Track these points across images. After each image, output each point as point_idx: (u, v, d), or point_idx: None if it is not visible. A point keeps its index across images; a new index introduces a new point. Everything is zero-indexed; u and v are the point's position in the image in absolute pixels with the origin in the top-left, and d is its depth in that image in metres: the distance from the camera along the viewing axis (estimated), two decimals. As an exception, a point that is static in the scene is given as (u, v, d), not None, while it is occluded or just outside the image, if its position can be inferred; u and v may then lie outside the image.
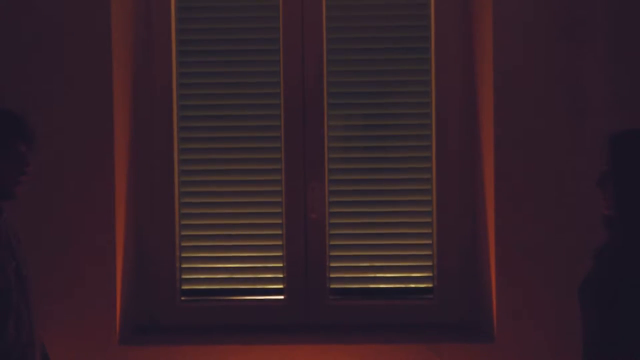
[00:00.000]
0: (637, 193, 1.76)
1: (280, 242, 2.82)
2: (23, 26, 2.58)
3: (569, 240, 2.55)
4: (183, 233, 2.84)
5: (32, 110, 2.12)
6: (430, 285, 2.82)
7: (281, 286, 2.83)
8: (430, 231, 2.81)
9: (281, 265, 2.82)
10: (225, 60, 2.83)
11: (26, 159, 1.95)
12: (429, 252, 2.81)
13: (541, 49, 2.57)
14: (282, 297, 2.83)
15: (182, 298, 2.84)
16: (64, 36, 2.57)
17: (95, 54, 2.58)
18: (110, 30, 2.58)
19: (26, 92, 2.56)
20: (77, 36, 2.58)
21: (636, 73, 2.56)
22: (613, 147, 1.81)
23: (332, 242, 2.82)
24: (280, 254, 2.82)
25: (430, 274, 2.81)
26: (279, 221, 2.82)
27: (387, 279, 2.82)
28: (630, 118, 2.01)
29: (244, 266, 2.83)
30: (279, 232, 2.82)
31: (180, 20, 2.83)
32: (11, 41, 2.58)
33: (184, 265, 2.84)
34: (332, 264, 2.82)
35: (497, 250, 2.58)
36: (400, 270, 2.82)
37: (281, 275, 2.83)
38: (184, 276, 2.84)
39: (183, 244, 2.84)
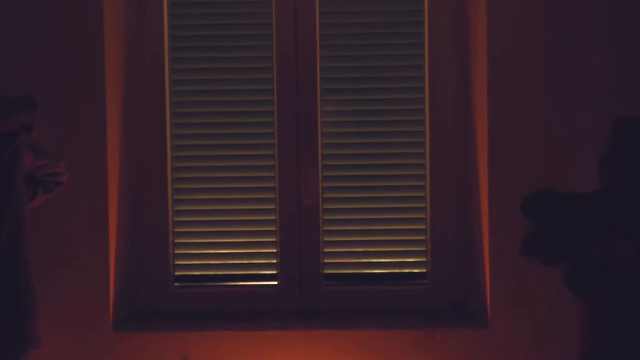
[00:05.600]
0: (635, 178, 1.76)
1: (274, 228, 2.82)
2: (22, 23, 2.56)
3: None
4: (176, 219, 2.83)
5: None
6: (424, 270, 2.82)
7: (275, 272, 2.83)
8: (424, 216, 2.81)
9: (275, 251, 2.82)
10: (217, 46, 2.81)
11: None
12: (423, 238, 2.81)
13: (536, 36, 2.56)
14: (276, 283, 2.83)
15: (176, 284, 2.84)
16: (55, 33, 2.56)
17: (86, 38, 2.57)
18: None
19: (23, 86, 2.53)
20: (69, 32, 2.57)
21: (631, 63, 2.55)
22: (615, 131, 1.81)
23: (326, 228, 2.81)
24: (274, 240, 2.82)
25: (425, 259, 2.82)
26: (273, 207, 2.81)
27: (381, 265, 2.82)
28: (624, 110, 2.02)
29: (237, 252, 2.82)
30: (273, 218, 2.81)
31: (172, 5, 2.81)
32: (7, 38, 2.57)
33: (177, 252, 2.83)
34: (326, 250, 2.82)
35: (491, 236, 2.58)
36: (395, 256, 2.82)
37: (275, 261, 2.82)
38: (177, 262, 2.84)
39: (176, 230, 2.83)
